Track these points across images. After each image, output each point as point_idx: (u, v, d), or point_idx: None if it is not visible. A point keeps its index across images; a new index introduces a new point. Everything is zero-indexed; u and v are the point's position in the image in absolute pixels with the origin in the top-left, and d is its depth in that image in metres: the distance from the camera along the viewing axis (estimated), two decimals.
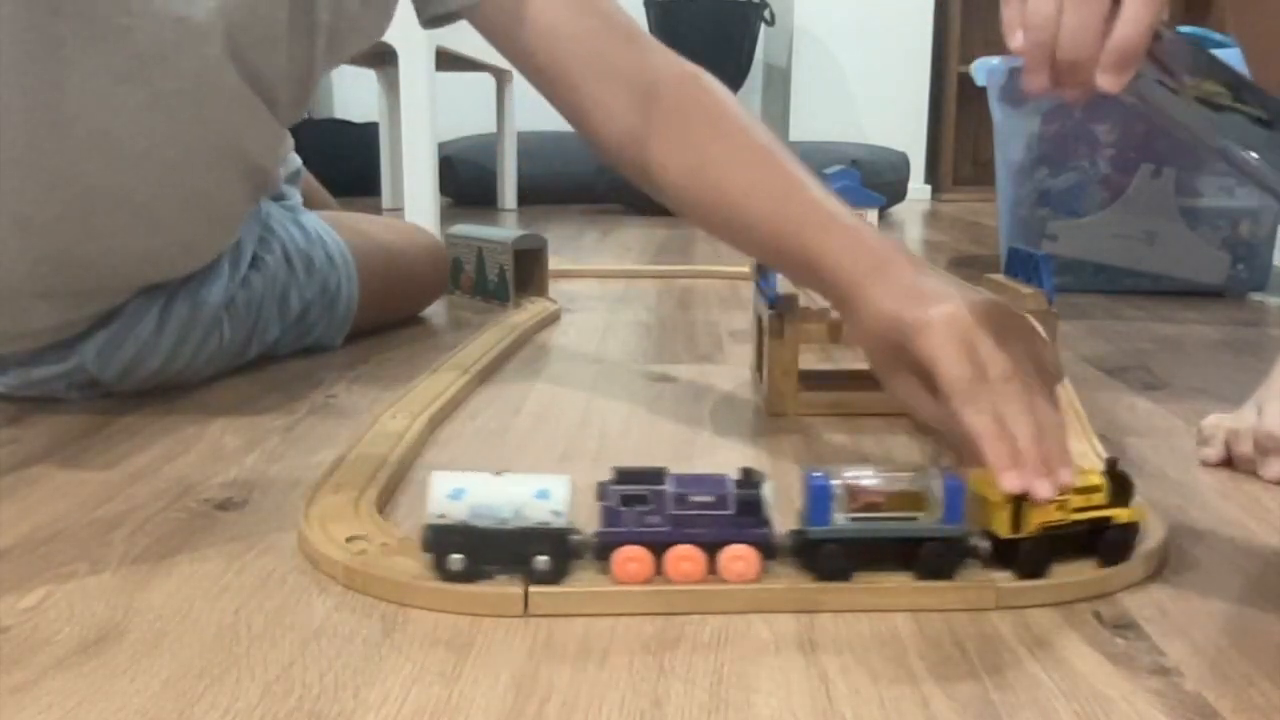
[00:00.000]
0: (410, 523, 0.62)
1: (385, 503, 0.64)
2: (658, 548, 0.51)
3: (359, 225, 1.14)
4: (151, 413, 0.84)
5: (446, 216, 2.30)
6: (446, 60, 2.13)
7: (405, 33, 1.98)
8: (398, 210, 2.38)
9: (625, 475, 0.52)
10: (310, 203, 1.16)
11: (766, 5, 3.42)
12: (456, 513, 0.50)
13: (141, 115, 0.75)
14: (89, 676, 0.44)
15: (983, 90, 1.61)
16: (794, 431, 0.81)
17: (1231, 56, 1.42)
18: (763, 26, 3.46)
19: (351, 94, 3.67)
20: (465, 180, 2.96)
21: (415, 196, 2.03)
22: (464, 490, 0.50)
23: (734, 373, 1.00)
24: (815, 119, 3.54)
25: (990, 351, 0.56)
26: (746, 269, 1.63)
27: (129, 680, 0.44)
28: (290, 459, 0.73)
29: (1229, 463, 0.72)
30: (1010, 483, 0.51)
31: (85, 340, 0.84)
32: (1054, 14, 0.49)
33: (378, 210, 2.64)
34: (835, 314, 0.83)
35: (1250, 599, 0.53)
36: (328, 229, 1.05)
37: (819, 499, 0.51)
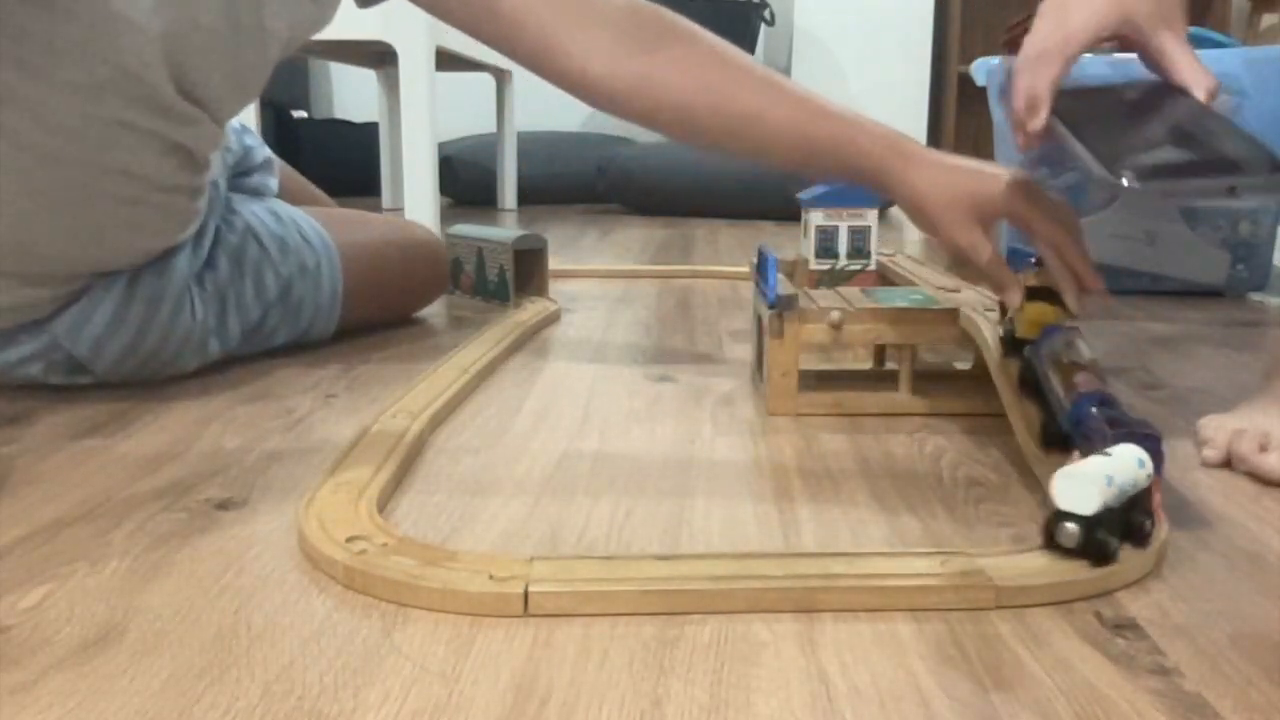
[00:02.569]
0: (410, 522, 0.62)
1: (385, 503, 0.64)
2: None
3: (347, 214, 1.15)
4: (151, 412, 0.84)
5: (446, 216, 2.30)
6: (446, 60, 2.13)
7: (405, 33, 1.98)
8: (398, 210, 2.38)
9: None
10: (297, 199, 1.16)
11: (766, 5, 3.42)
12: (1109, 499, 0.53)
13: (57, 101, 0.76)
14: (89, 676, 0.44)
15: (983, 90, 1.60)
16: (794, 431, 0.81)
17: (1232, 56, 1.42)
18: (763, 26, 3.46)
19: (351, 94, 3.67)
20: (465, 180, 2.96)
21: (415, 196, 2.03)
22: (1112, 477, 0.53)
23: (734, 373, 1.00)
24: None
25: (1057, 209, 0.76)
26: (746, 269, 1.63)
27: (129, 680, 0.44)
28: (290, 459, 0.73)
29: (1229, 463, 0.72)
30: (1075, 303, 0.74)
31: (57, 317, 0.86)
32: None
33: (378, 210, 2.64)
34: (835, 314, 0.84)
35: (1250, 599, 0.53)
36: (302, 214, 1.07)
37: None
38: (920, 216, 0.79)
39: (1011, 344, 0.76)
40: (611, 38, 0.81)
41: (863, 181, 0.81)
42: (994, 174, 0.77)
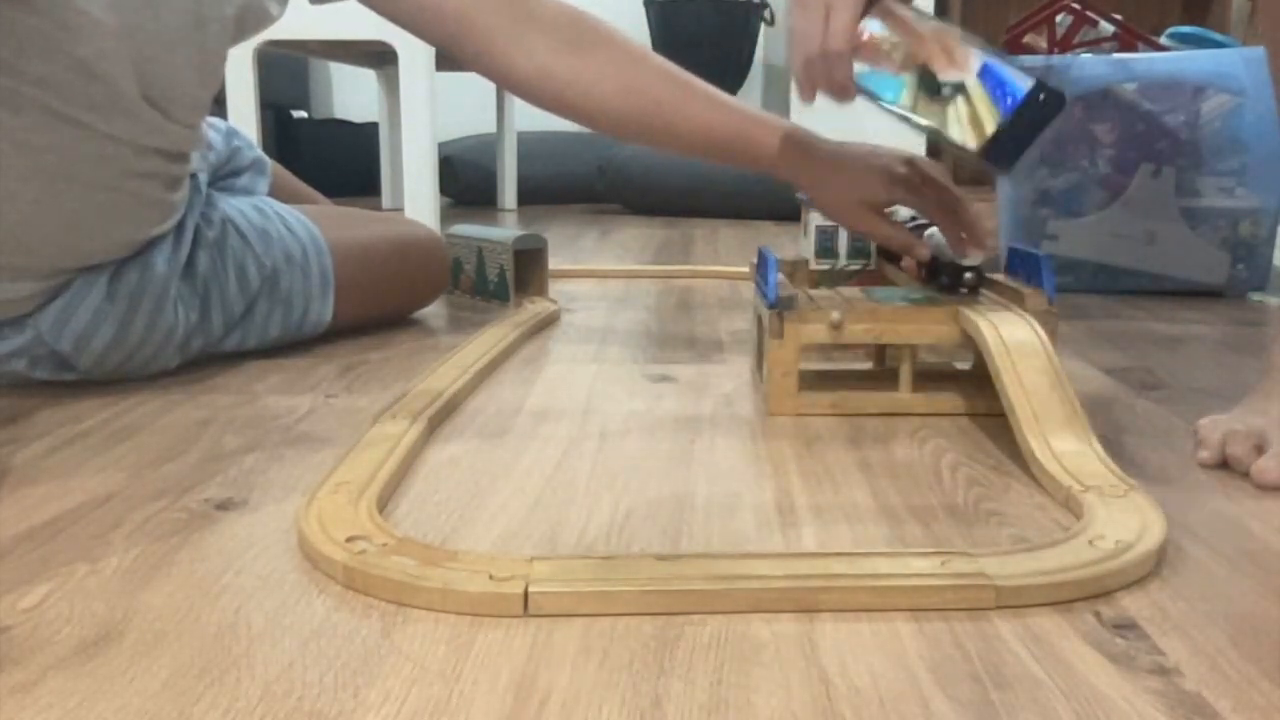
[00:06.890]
0: (410, 522, 0.62)
1: (385, 503, 0.64)
2: None
3: (340, 210, 1.16)
4: (151, 412, 0.84)
5: (446, 216, 2.30)
6: (446, 60, 2.12)
7: (405, 33, 1.98)
8: (398, 210, 2.38)
9: None
10: (291, 200, 1.16)
11: (766, 5, 3.42)
12: None
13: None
14: (89, 676, 0.44)
15: None
16: (794, 431, 0.81)
17: (1232, 56, 1.42)
18: (763, 26, 3.46)
19: (351, 94, 3.67)
20: (465, 180, 2.96)
21: (415, 196, 2.03)
22: None
23: (734, 373, 1.00)
24: (815, 119, 3.52)
25: (939, 190, 0.90)
26: (746, 269, 1.63)
27: (129, 680, 0.44)
28: (290, 459, 0.73)
29: (1224, 464, 0.72)
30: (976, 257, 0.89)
31: (40, 313, 0.87)
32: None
33: (378, 211, 2.64)
34: (835, 314, 0.84)
35: (1250, 599, 0.53)
36: (288, 208, 1.07)
37: None
38: (823, 211, 0.97)
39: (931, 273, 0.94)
40: (548, 41, 0.91)
41: (764, 171, 0.94)
42: (881, 165, 0.90)
